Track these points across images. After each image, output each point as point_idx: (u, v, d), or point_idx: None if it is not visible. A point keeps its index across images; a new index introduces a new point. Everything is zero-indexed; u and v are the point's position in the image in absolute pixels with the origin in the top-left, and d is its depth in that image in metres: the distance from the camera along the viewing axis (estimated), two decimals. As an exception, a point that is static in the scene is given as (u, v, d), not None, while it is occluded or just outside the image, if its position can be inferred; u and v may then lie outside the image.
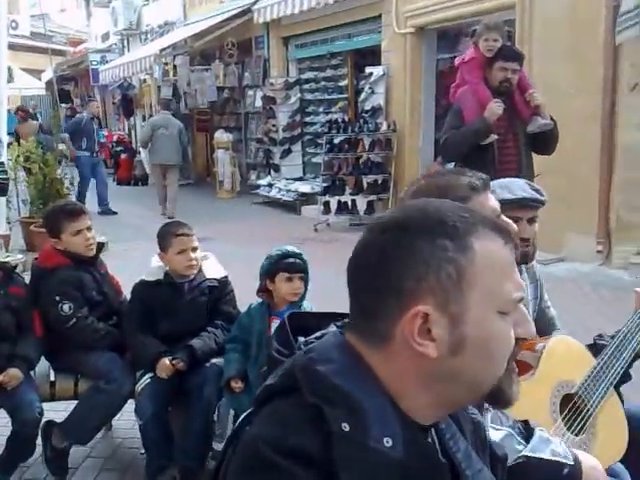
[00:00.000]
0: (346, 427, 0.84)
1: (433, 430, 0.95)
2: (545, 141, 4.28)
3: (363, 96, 9.56)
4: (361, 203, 9.24)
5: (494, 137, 4.12)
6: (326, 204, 9.28)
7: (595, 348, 1.84)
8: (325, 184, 9.47)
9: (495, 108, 4.07)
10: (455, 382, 0.89)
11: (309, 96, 11.51)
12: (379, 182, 9.25)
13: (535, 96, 4.23)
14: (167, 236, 2.94)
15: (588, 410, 1.61)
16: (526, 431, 1.39)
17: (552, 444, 1.37)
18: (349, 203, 9.23)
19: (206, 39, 12.34)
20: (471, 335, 0.87)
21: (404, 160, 9.10)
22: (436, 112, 9.13)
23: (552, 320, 2.34)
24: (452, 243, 0.87)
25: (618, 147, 6.20)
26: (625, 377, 1.82)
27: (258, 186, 11.71)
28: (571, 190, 6.11)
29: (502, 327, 0.89)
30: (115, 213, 10.69)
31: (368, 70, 9.49)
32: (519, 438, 1.36)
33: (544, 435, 1.39)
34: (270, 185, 11.38)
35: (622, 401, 1.81)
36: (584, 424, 1.60)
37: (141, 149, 12.10)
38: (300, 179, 11.36)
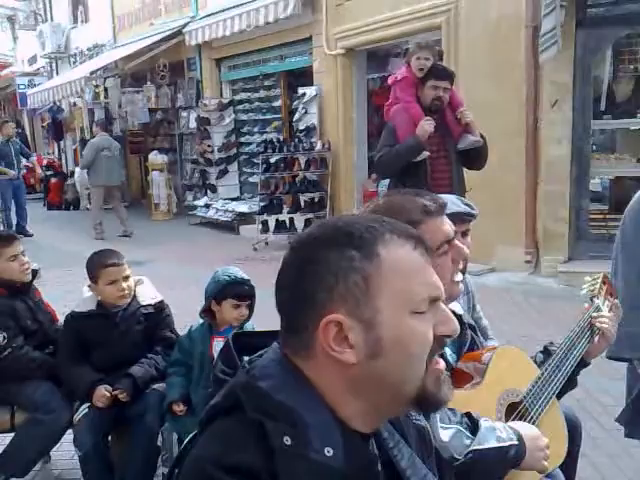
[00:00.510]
0: (288, 441, 0.87)
1: (373, 439, 0.98)
2: (475, 157, 4.42)
3: (297, 116, 9.66)
4: (299, 221, 9.29)
5: (426, 154, 4.23)
6: (264, 223, 9.30)
7: (547, 353, 1.89)
8: (263, 203, 9.49)
9: (426, 126, 4.17)
10: (380, 385, 0.93)
11: (243, 116, 11.54)
12: (316, 200, 9.34)
13: (465, 114, 4.37)
14: (96, 267, 2.87)
15: (532, 418, 1.67)
16: (472, 423, 1.45)
17: (496, 431, 1.45)
18: (287, 222, 9.26)
19: (137, 61, 12.24)
20: (386, 337, 0.91)
21: (340, 178, 9.23)
22: (369, 130, 9.32)
23: (485, 330, 2.43)
24: (358, 253, 0.92)
25: (542, 161, 6.46)
26: (571, 384, 1.88)
27: (195, 207, 11.61)
28: (499, 203, 6.33)
29: (417, 326, 0.93)
30: (30, 235, 10.52)
31: (301, 90, 9.61)
32: (467, 433, 1.42)
33: (488, 424, 1.46)
34: (207, 206, 11.31)
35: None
36: None
37: (77, 171, 11.84)
38: (237, 199, 11.35)
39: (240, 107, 11.59)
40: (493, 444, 1.42)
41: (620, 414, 2.29)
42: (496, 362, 1.67)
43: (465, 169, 4.57)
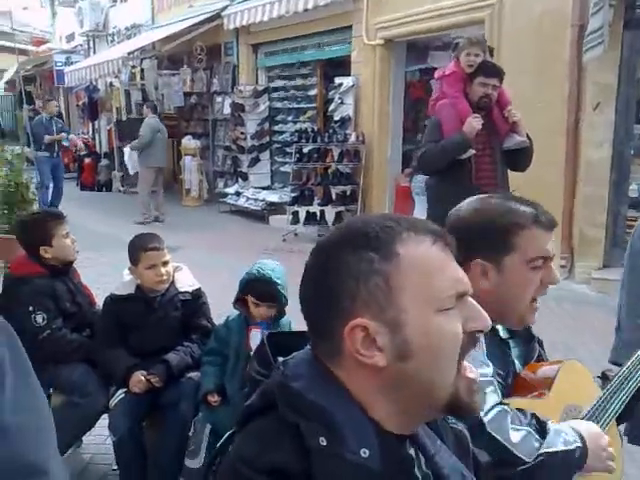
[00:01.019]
0: (323, 441, 0.87)
1: (412, 444, 0.97)
2: (520, 158, 4.34)
3: (332, 106, 9.62)
4: (330, 214, 9.27)
5: (472, 152, 4.16)
6: (295, 214, 9.29)
7: (604, 378, 1.87)
8: (293, 194, 9.48)
9: (474, 123, 4.10)
10: (411, 387, 0.92)
11: (278, 104, 11.51)
12: (347, 193, 9.30)
13: (513, 113, 4.28)
14: (137, 250, 2.90)
15: None
16: (539, 425, 1.45)
17: (563, 433, 1.44)
18: (317, 214, 9.25)
19: (175, 43, 12.26)
20: (414, 337, 0.90)
21: (372, 171, 9.17)
22: (404, 124, 9.24)
23: None
24: (377, 254, 0.91)
25: (581, 163, 6.35)
26: (629, 415, 1.82)
27: (225, 194, 11.65)
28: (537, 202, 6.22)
29: (444, 324, 0.91)
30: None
31: (338, 80, 9.55)
32: (537, 436, 1.42)
33: (556, 427, 1.45)
34: (238, 193, 11.34)
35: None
36: None
37: (127, 152, 11.85)
38: (268, 188, 11.34)
39: (275, 95, 11.56)
40: (561, 447, 1.41)
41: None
42: (562, 376, 1.65)
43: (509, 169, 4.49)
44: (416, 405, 0.94)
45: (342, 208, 9.23)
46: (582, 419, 1.63)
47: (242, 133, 11.47)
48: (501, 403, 1.41)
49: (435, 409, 0.96)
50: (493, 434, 1.34)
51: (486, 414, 1.36)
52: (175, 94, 13.23)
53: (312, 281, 0.96)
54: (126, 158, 12.26)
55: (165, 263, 2.92)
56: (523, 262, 1.55)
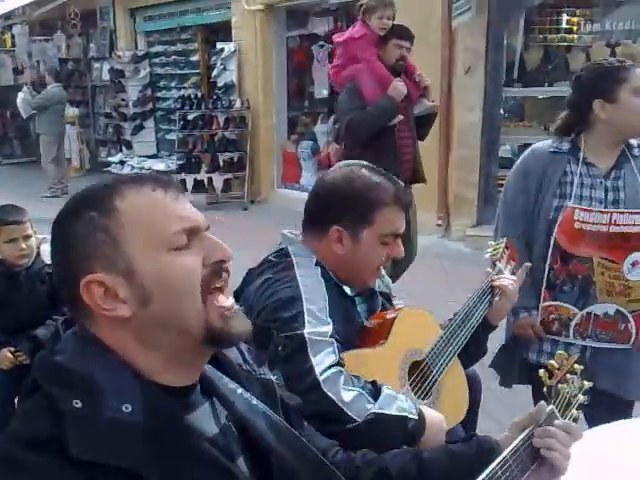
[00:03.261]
0: (78, 404, 0.89)
1: (207, 397, 1.03)
2: (426, 124, 4.22)
3: (215, 72, 9.47)
4: (217, 181, 9.19)
5: (400, 117, 3.94)
6: (182, 182, 9.12)
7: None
8: (180, 162, 9.32)
9: (400, 87, 3.90)
10: (162, 328, 0.96)
11: (160, 70, 11.19)
12: (235, 160, 9.24)
13: (424, 77, 4.13)
14: None
15: (433, 376, 1.73)
16: (375, 390, 1.49)
17: (398, 400, 1.50)
18: (205, 181, 9.16)
19: (46, 8, 11.61)
20: (149, 281, 0.94)
21: (259, 138, 9.14)
22: (288, 90, 9.25)
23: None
24: (96, 212, 0.96)
25: (454, 127, 6.62)
26: (481, 350, 1.97)
27: (109, 163, 11.28)
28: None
29: (176, 262, 0.96)
30: None
31: (219, 46, 9.41)
32: (369, 397, 1.46)
33: (391, 392, 1.50)
34: (122, 162, 11.02)
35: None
36: (429, 389, 1.73)
37: (22, 96, 11.03)
38: (154, 156, 11.09)
39: (156, 60, 11.22)
40: (393, 412, 1.46)
41: (492, 360, 2.40)
42: (400, 322, 1.72)
43: None
44: (175, 347, 0.97)
45: (230, 175, 9.18)
46: (424, 359, 1.73)
47: (123, 100, 11.11)
48: (338, 364, 1.46)
49: (195, 345, 0.98)
50: (327, 392, 1.40)
51: (322, 374, 1.41)
52: (50, 60, 12.55)
53: (54, 254, 1.00)
54: (19, 101, 11.46)
55: (27, 237, 2.82)
56: (376, 236, 1.67)
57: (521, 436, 1.20)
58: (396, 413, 1.46)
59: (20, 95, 11.04)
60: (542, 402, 1.26)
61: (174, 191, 0.99)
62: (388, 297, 1.91)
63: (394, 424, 1.46)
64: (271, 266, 1.68)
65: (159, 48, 11.19)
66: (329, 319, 1.52)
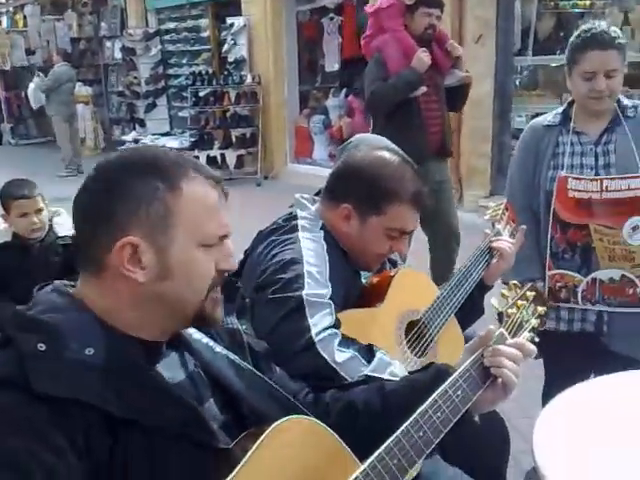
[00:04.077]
0: (42, 347, 0.94)
1: (175, 348, 1.11)
2: (460, 95, 4.10)
3: (226, 48, 9.45)
4: (231, 157, 9.23)
5: (423, 89, 3.84)
6: (196, 159, 9.17)
7: None
8: (193, 139, 9.36)
9: (424, 57, 3.78)
10: (161, 303, 1.04)
11: (171, 47, 11.19)
12: (247, 136, 9.26)
13: (456, 47, 4.02)
14: (6, 199, 2.86)
15: (430, 334, 1.75)
16: (370, 354, 1.51)
17: (392, 366, 1.51)
18: (218, 158, 9.19)
19: (57, -13, 11.62)
20: (175, 263, 1.02)
21: (271, 113, 9.14)
22: (300, 64, 9.21)
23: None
24: (163, 184, 1.01)
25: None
26: (478, 311, 1.98)
27: (123, 142, 11.30)
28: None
29: (202, 258, 1.04)
30: None
31: (229, 21, 9.37)
32: (363, 361, 1.48)
33: (385, 358, 1.52)
34: (136, 141, 11.03)
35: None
36: (426, 347, 1.75)
37: (33, 86, 11.13)
38: (167, 134, 11.12)
39: (167, 37, 11.21)
40: (385, 376, 1.47)
41: None
42: (398, 283, 1.74)
43: None
44: (165, 318, 1.06)
45: (243, 151, 9.21)
46: (420, 319, 1.76)
47: (135, 78, 11.13)
48: (334, 326, 1.49)
49: (182, 323, 1.09)
50: (321, 352, 1.42)
51: (317, 334, 1.44)
52: (61, 40, 12.59)
53: (92, 195, 1.03)
54: (30, 92, 11.56)
55: (38, 211, 2.87)
56: (383, 227, 1.68)
57: (471, 357, 1.26)
58: (387, 377, 1.47)
59: (31, 86, 11.12)
60: (491, 326, 1.31)
61: (224, 197, 1.08)
62: (394, 263, 1.93)
63: None
64: (277, 228, 1.71)
65: (170, 25, 11.17)
66: (328, 282, 1.55)
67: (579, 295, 2.30)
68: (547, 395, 2.39)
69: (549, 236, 2.29)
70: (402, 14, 3.93)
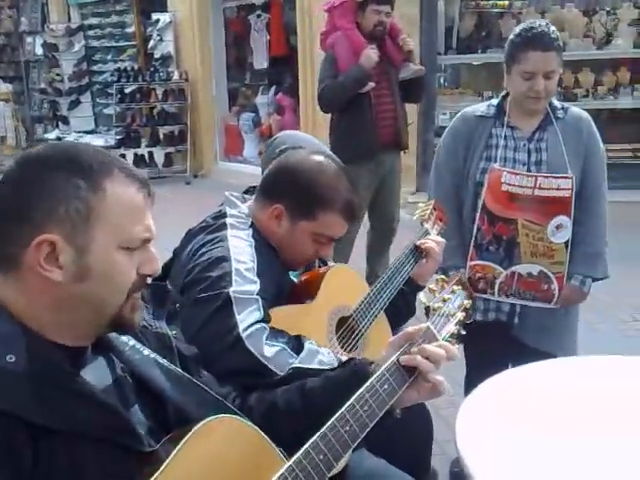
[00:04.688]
0: None
1: (101, 352, 1.09)
2: (415, 88, 4.20)
3: (152, 44, 9.29)
4: (159, 155, 9.08)
5: (371, 85, 3.95)
6: (122, 157, 8.95)
7: None
8: (119, 137, 9.16)
9: (371, 54, 3.89)
10: (80, 305, 1.02)
11: (95, 43, 10.89)
12: (175, 133, 9.13)
13: (407, 41, 4.13)
14: None
15: (360, 330, 1.78)
16: (298, 345, 1.53)
17: (320, 354, 1.53)
18: (146, 156, 9.03)
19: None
20: (94, 264, 1.00)
21: (199, 110, 9.03)
22: (228, 61, 9.15)
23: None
24: (85, 182, 0.99)
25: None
26: (409, 311, 2.02)
27: (46, 141, 10.95)
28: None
29: (123, 261, 1.03)
30: None
31: (155, 16, 9.22)
32: (292, 352, 1.49)
33: (313, 347, 1.53)
34: (59, 139, 10.71)
35: None
36: (356, 342, 1.78)
37: None
38: (92, 132, 10.83)
39: (91, 33, 10.91)
40: (315, 365, 1.50)
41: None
42: (329, 280, 1.77)
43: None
44: (84, 322, 1.04)
45: (172, 149, 9.09)
46: (351, 315, 1.78)
47: (58, 75, 10.78)
48: (263, 320, 1.49)
49: (102, 326, 1.07)
50: (249, 348, 1.43)
51: (245, 330, 1.44)
52: (-22, 34, 12.09)
53: (10, 189, 1.00)
54: None
55: None
56: (312, 232, 1.70)
57: (398, 352, 1.27)
58: (316, 367, 1.50)
59: None
60: (421, 325, 1.32)
61: (150, 200, 1.06)
62: (325, 261, 1.95)
63: (314, 377, 1.47)
64: (206, 226, 1.71)
65: (93, 20, 10.88)
66: (257, 279, 1.56)
67: (496, 287, 2.37)
68: (469, 385, 2.46)
69: (475, 227, 2.33)
70: (353, 12, 4.04)
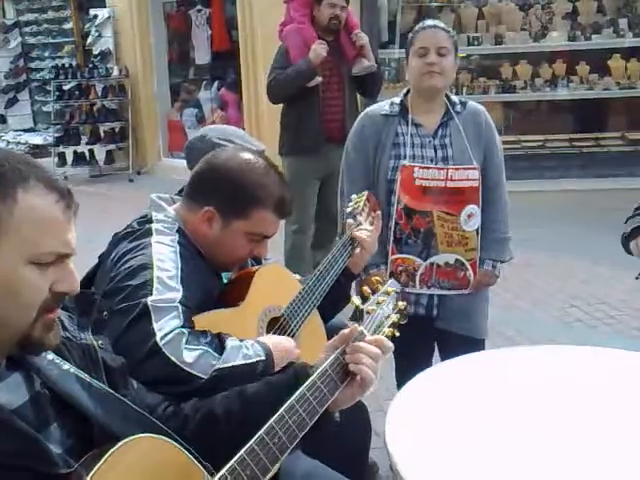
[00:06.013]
0: None
1: (18, 368, 1.03)
2: (370, 83, 4.19)
3: (90, 40, 9.09)
4: (100, 153, 8.89)
5: (318, 80, 3.97)
6: (61, 155, 8.78)
7: None
8: (58, 134, 8.93)
9: (319, 49, 3.89)
10: None
11: (32, 40, 10.66)
12: (117, 130, 8.95)
13: (361, 36, 4.14)
14: None
15: (292, 329, 1.77)
16: (220, 344, 1.49)
17: (243, 349, 1.50)
18: (86, 153, 8.83)
19: None
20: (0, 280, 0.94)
21: (140, 106, 8.86)
22: (169, 56, 9.01)
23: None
24: None
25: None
26: (345, 300, 1.96)
27: (-18, 140, 10.67)
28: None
29: (32, 277, 0.95)
30: None
31: (92, 12, 9.03)
32: (214, 353, 1.45)
33: (235, 343, 1.50)
34: (-4, 138, 10.45)
35: None
36: None
37: None
38: (31, 130, 10.58)
39: (27, 29, 10.68)
40: (239, 362, 1.47)
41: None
42: (258, 281, 1.74)
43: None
44: None
45: (113, 146, 8.90)
46: (282, 315, 1.77)
47: (-7, 72, 10.48)
48: (182, 326, 1.45)
49: (7, 345, 0.99)
50: (168, 355, 1.39)
51: (162, 338, 1.40)
52: None
53: None
54: None
55: None
56: (246, 231, 1.67)
57: (331, 357, 1.26)
58: (242, 362, 1.47)
59: None
60: (355, 324, 1.32)
61: (71, 212, 0.99)
62: (259, 260, 1.92)
63: (242, 373, 1.46)
64: (131, 232, 1.66)
65: (29, 17, 10.66)
66: (180, 286, 1.52)
67: (417, 279, 2.41)
68: (400, 381, 2.48)
69: (393, 222, 2.37)
70: (309, 5, 4.07)
